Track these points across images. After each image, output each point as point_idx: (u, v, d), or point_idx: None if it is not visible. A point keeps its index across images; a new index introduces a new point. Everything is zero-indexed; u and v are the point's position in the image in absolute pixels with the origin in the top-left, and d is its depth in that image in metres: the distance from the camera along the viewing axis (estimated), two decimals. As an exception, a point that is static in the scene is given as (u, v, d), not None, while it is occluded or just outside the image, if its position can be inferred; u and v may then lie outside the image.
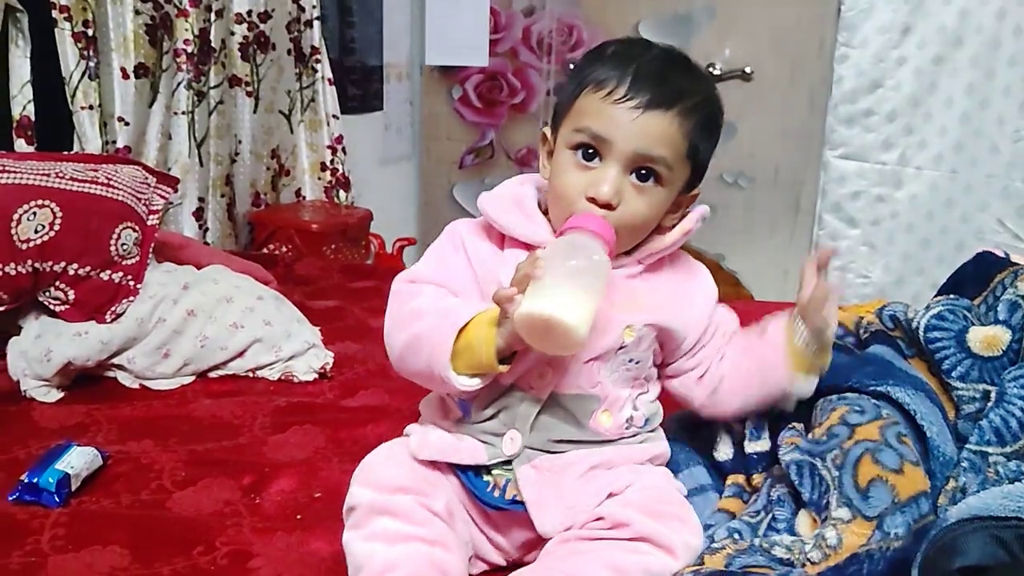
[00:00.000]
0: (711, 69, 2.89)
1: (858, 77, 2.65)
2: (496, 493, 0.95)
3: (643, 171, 0.92)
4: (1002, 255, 1.24)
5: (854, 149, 2.70)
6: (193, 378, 1.48)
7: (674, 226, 0.99)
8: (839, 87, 2.68)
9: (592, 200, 0.91)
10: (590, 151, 0.92)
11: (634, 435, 0.99)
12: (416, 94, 3.29)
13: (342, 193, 2.73)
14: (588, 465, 0.94)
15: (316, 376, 1.51)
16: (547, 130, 1.00)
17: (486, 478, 0.96)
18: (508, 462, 0.95)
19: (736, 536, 0.91)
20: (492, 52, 3.13)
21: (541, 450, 0.95)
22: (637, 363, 0.98)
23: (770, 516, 0.93)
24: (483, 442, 0.96)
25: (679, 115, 0.91)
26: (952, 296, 1.14)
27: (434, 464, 0.96)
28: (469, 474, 0.96)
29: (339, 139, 2.71)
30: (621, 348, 0.95)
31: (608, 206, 0.91)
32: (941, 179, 2.66)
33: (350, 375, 1.53)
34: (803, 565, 0.82)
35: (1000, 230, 2.65)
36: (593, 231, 0.89)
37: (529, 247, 0.96)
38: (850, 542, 0.82)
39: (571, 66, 1.01)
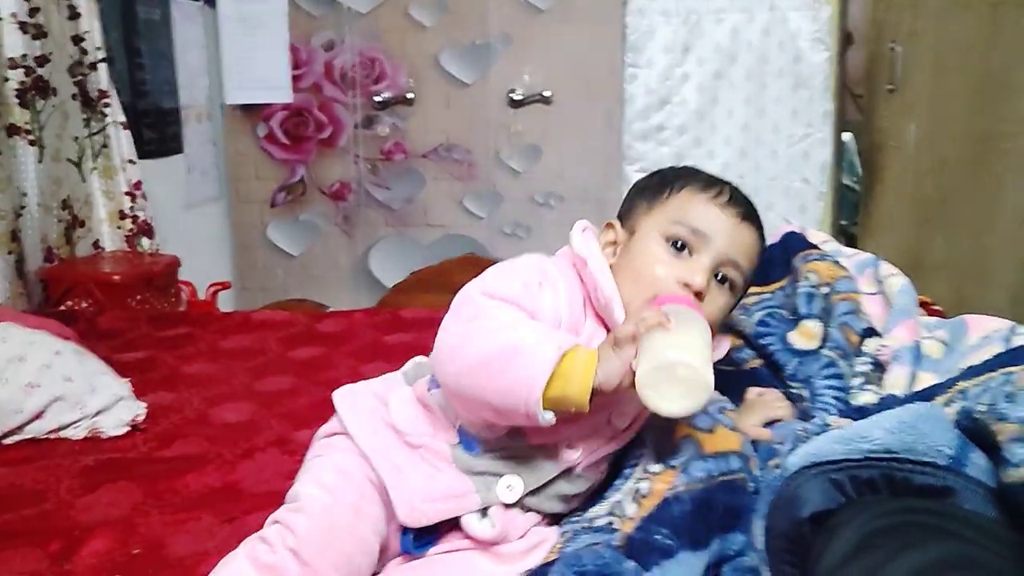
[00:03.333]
0: (512, 95, 2.98)
1: (647, 95, 2.81)
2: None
3: (722, 275, 0.95)
4: (800, 232, 1.34)
5: (650, 163, 2.86)
6: (-15, 448, 1.36)
7: None
8: (631, 105, 2.84)
9: (685, 286, 0.93)
10: (681, 244, 0.94)
11: None
12: (219, 134, 3.19)
13: (145, 240, 2.60)
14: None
15: (128, 429, 1.42)
16: (616, 222, 1.02)
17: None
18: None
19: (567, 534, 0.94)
20: (295, 88, 3.09)
21: (532, 508, 0.94)
22: None
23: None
24: (473, 479, 0.92)
25: (760, 235, 0.98)
26: (767, 295, 1.21)
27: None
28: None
29: (137, 185, 2.58)
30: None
31: (699, 295, 0.93)
32: (731, 185, 2.87)
33: (165, 425, 1.45)
34: (622, 522, 0.85)
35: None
36: (693, 306, 0.90)
37: (604, 324, 0.95)
38: (658, 488, 0.86)
39: (638, 186, 0.99)
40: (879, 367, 0.98)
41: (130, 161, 2.56)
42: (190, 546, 1.07)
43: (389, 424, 0.97)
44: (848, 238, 3.20)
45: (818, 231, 1.34)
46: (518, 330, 0.85)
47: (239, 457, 1.29)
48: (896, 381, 0.94)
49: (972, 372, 0.84)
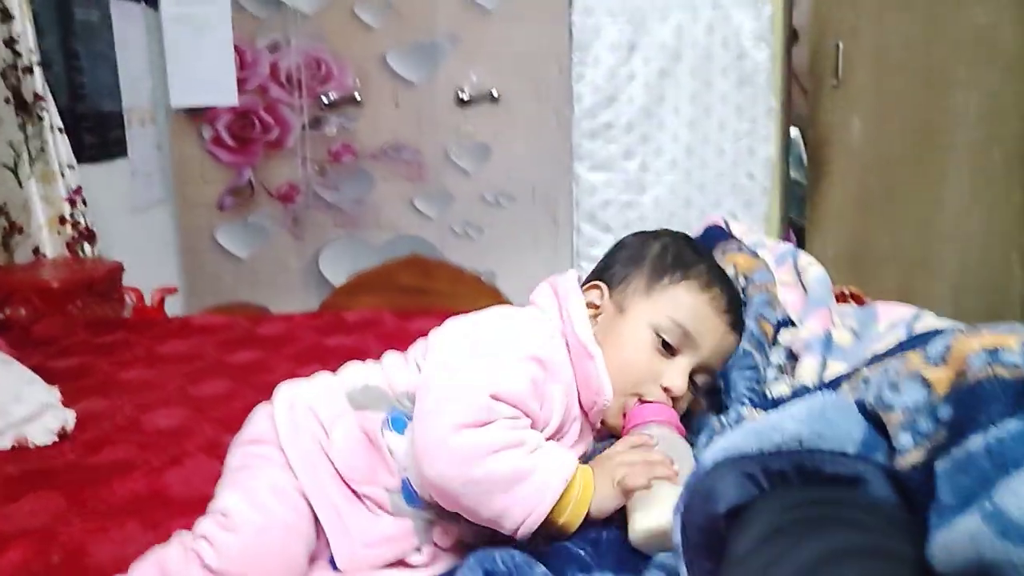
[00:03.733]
0: (460, 94, 2.98)
1: (595, 93, 2.83)
2: None
3: (694, 380, 0.97)
4: (723, 226, 1.35)
5: (599, 161, 2.88)
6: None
7: None
8: (579, 104, 2.85)
9: (665, 390, 0.94)
10: (669, 343, 0.95)
11: None
12: (164, 138, 3.15)
13: (87, 246, 2.55)
14: None
15: (55, 438, 1.39)
16: (603, 288, 1.01)
17: None
18: None
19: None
20: (240, 90, 3.06)
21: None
22: None
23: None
24: (412, 522, 0.91)
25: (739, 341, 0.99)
26: None
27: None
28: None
29: (78, 190, 2.54)
30: None
31: (674, 400, 0.94)
32: (678, 182, 2.89)
33: (95, 432, 1.43)
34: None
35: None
36: (679, 428, 0.91)
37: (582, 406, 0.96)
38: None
39: (656, 249, 1.00)
40: (793, 358, 0.99)
41: (69, 166, 2.51)
42: (112, 553, 1.06)
43: (328, 458, 0.92)
44: (797, 232, 3.24)
45: (740, 222, 1.35)
46: (528, 457, 0.83)
47: (167, 463, 1.28)
48: (807, 371, 0.95)
49: (876, 359, 0.85)
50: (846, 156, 2.88)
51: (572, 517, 0.83)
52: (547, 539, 0.84)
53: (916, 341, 0.86)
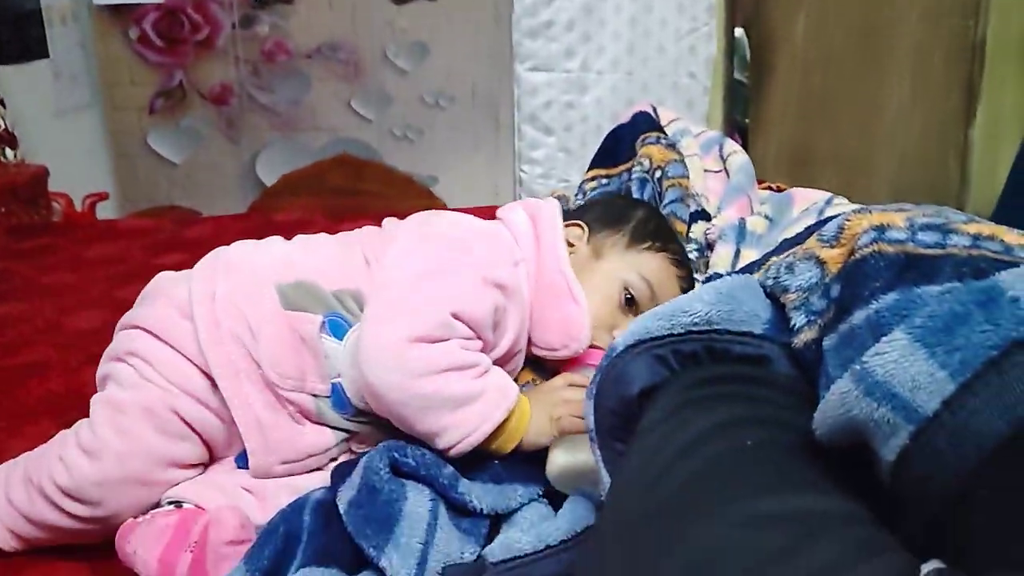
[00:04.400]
0: (397, -10, 2.88)
1: (535, -11, 2.74)
2: None
3: None
4: (651, 112, 1.33)
5: (541, 60, 2.81)
6: None
7: None
8: (519, 2, 2.77)
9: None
10: (632, 299, 0.96)
11: None
12: (87, 37, 3.01)
13: (8, 151, 2.46)
14: None
15: (-31, 342, 1.37)
16: (586, 230, 1.01)
17: None
18: None
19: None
20: (166, -14, 2.93)
21: None
22: None
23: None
24: (333, 434, 0.90)
25: None
26: (605, 180, 1.21)
27: None
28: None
29: (-4, 91, 2.43)
30: None
31: None
32: (620, 81, 2.85)
33: (12, 335, 1.40)
34: None
35: (676, 124, 2.89)
36: None
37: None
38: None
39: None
40: (709, 248, 1.00)
41: (-16, 66, 2.40)
42: (26, 450, 1.05)
43: (255, 361, 0.86)
44: (742, 133, 3.23)
45: (668, 109, 1.33)
46: (476, 381, 0.83)
47: (85, 362, 1.25)
48: (721, 260, 0.96)
49: (785, 245, 0.85)
50: (790, 56, 2.86)
51: (505, 444, 0.84)
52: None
53: (821, 224, 0.87)
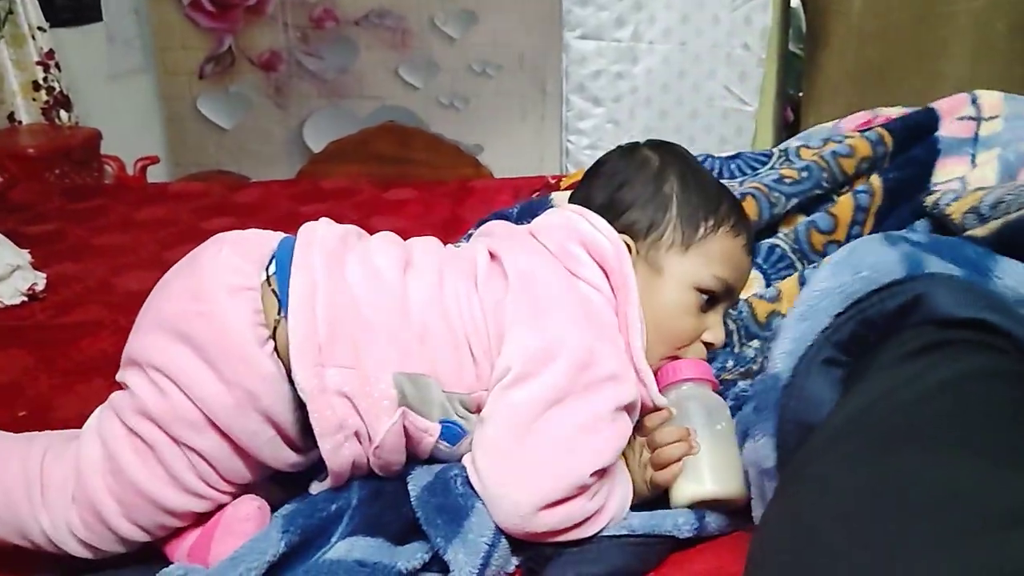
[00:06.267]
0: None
1: (586, -44, 2.70)
2: None
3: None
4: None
5: (590, 29, 2.78)
6: None
7: None
8: (569, -32, 2.73)
9: (708, 345, 0.89)
10: (713, 298, 0.88)
11: None
12: (141, 1, 3.03)
13: (63, 113, 2.50)
14: None
15: (24, 299, 1.39)
16: (633, 247, 0.87)
17: None
18: None
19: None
20: (218, -49, 2.94)
21: None
22: None
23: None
24: None
25: None
26: None
27: None
28: None
29: (50, 54, 2.46)
30: None
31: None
32: (672, 52, 2.80)
33: (66, 294, 1.43)
34: None
35: (727, 95, 2.83)
36: (713, 382, 0.86)
37: None
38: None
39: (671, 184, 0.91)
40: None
41: (40, 28, 2.43)
42: (78, 408, 1.06)
43: (367, 459, 0.79)
44: (794, 106, 3.16)
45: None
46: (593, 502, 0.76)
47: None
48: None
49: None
50: (846, 27, 2.77)
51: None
52: None
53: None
